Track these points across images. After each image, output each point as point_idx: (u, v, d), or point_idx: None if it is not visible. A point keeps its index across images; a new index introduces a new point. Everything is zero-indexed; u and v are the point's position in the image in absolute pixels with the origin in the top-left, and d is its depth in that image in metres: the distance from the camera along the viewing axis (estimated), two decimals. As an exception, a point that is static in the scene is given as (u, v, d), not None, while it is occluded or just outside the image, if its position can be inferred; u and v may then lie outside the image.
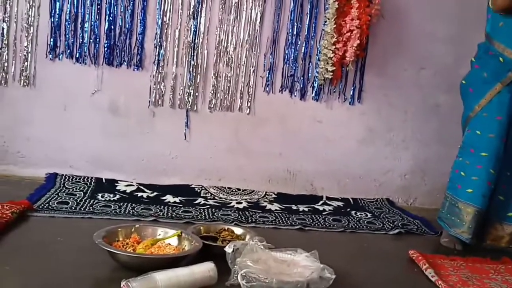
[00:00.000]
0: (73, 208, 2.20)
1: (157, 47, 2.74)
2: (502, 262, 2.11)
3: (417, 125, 3.07)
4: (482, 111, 2.19)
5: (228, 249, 1.62)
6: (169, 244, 1.70)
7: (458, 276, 1.91)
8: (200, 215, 2.31)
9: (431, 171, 3.11)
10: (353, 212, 2.69)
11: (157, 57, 2.75)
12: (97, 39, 2.67)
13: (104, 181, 2.68)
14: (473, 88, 2.24)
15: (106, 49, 2.69)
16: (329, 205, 2.80)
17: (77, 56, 2.68)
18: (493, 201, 2.20)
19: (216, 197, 2.68)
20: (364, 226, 2.44)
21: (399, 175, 3.10)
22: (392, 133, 3.06)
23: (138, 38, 2.71)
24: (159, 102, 2.79)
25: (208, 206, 2.48)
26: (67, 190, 2.47)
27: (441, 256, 2.10)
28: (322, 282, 1.57)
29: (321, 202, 2.83)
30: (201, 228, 1.92)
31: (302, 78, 2.91)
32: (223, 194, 2.75)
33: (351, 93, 2.98)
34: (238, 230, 1.94)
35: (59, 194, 2.39)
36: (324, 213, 2.63)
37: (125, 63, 2.73)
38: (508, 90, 2.13)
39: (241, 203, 2.62)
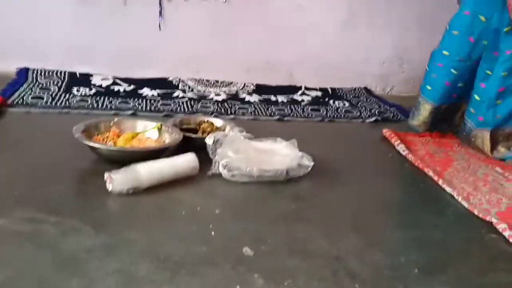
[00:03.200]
0: (48, 103, 2.15)
1: None
2: None
3: (401, 8, 2.98)
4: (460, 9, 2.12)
5: (209, 140, 1.63)
6: (149, 137, 1.70)
7: (426, 150, 2.03)
8: (178, 108, 2.30)
9: (409, 59, 3.10)
10: (331, 102, 2.71)
11: None
12: None
13: (78, 75, 2.60)
14: None
15: None
16: (308, 95, 2.81)
17: None
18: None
19: (194, 90, 2.65)
20: (342, 115, 2.48)
21: (377, 63, 3.08)
22: (374, 17, 2.98)
23: None
24: (130, -11, 2.63)
25: (187, 99, 2.46)
26: (40, 85, 2.40)
27: (413, 134, 2.22)
28: (301, 169, 1.62)
29: (300, 92, 2.83)
30: (181, 120, 1.92)
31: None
32: (201, 86, 2.72)
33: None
34: (218, 122, 1.95)
35: (33, 89, 2.32)
36: (302, 103, 2.64)
37: None
38: None
39: (219, 95, 2.60)
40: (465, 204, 1.52)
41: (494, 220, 1.38)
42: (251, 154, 1.65)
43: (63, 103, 2.18)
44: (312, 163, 1.64)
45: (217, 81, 2.81)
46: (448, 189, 1.62)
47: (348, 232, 1.30)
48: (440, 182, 1.67)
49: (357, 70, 3.06)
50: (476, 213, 1.46)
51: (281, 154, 1.69)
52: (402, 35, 3.04)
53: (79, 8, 2.60)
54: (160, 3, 2.67)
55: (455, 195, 1.58)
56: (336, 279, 1.08)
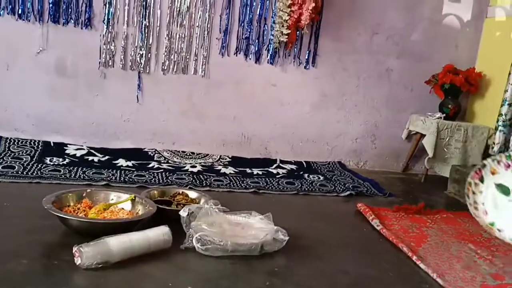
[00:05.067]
0: (19, 172, 2.12)
1: (107, 4, 2.62)
2: (437, 212, 2.28)
3: (369, 90, 3.13)
4: None
5: (183, 212, 1.61)
6: (123, 208, 1.67)
7: (400, 225, 2.05)
8: (153, 179, 2.28)
9: (381, 135, 3.20)
10: (306, 175, 2.74)
11: (106, 16, 2.63)
12: (41, -6, 2.52)
13: (52, 144, 2.58)
14: None
15: (51, 5, 2.54)
16: (283, 168, 2.84)
17: (20, 12, 2.52)
18: None
19: (170, 161, 2.65)
20: (317, 189, 2.50)
21: (350, 138, 3.16)
22: (345, 97, 3.10)
23: (85, -5, 2.58)
24: (110, 63, 2.69)
25: (162, 170, 2.45)
26: (12, 154, 2.37)
27: (386, 208, 2.24)
28: (275, 244, 1.61)
29: (275, 166, 2.86)
30: (155, 192, 1.90)
31: (257, 41, 2.87)
32: (177, 158, 2.72)
33: (306, 57, 2.98)
34: (192, 194, 1.94)
35: (4, 158, 2.29)
36: (278, 176, 2.66)
37: (72, 21, 2.60)
38: None
39: (195, 166, 2.61)
40: (440, 282, 1.51)
41: (469, 299, 1.38)
42: (225, 228, 1.64)
43: (35, 172, 2.14)
44: (287, 238, 1.63)
45: (193, 153, 2.82)
46: (422, 266, 1.62)
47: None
48: (414, 259, 1.67)
49: (331, 145, 3.13)
50: (452, 290, 1.45)
51: (256, 228, 1.67)
52: (372, 113, 3.16)
53: (57, 79, 2.63)
54: (139, 76, 2.74)
55: (429, 273, 1.57)
56: None
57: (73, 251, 1.33)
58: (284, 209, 2.12)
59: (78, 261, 1.31)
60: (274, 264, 1.52)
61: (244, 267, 1.46)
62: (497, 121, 2.66)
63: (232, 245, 1.51)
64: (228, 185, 2.36)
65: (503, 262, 1.73)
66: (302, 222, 1.99)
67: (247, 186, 2.37)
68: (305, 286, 1.41)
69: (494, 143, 2.66)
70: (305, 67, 2.99)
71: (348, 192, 2.47)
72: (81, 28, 2.62)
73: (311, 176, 2.74)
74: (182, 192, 1.94)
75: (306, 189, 2.47)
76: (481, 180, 0.94)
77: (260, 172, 2.68)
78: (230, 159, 2.83)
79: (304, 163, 2.99)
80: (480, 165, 0.96)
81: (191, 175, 2.43)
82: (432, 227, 2.09)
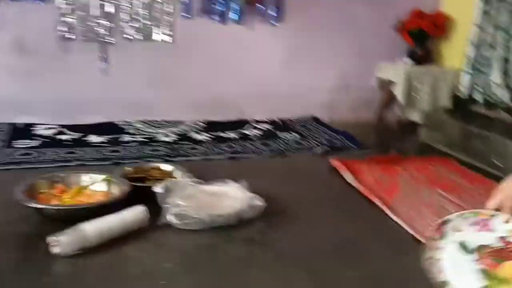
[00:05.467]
0: (-11, 160, 2.09)
1: (59, -25, 2.51)
2: (409, 159, 2.30)
3: (337, 41, 3.10)
4: None
5: (158, 189, 1.62)
6: (97, 190, 1.67)
7: (373, 177, 2.08)
8: (128, 153, 2.27)
9: (353, 86, 3.21)
10: (281, 134, 2.75)
11: (60, -13, 2.52)
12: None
13: (19, 126, 2.53)
14: None
15: (-1, -19, 2.42)
16: (258, 129, 2.85)
17: (-33, -9, 2.40)
18: None
19: (143, 132, 2.63)
20: (292, 148, 2.52)
21: (322, 91, 3.17)
22: (314, 50, 3.08)
23: (35, -34, 2.46)
24: (70, 36, 2.60)
25: (136, 143, 2.44)
26: (-21, 141, 2.33)
27: (360, 161, 2.25)
28: (252, 211, 1.63)
29: (249, 127, 2.86)
30: (130, 169, 1.89)
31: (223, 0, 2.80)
32: (150, 128, 2.70)
33: (272, 13, 2.92)
34: (167, 167, 1.93)
35: (-28, 145, 2.25)
36: (253, 138, 2.67)
37: (25, -4, 2.49)
38: None
39: (169, 136, 2.59)
40: (410, 231, 1.56)
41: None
42: (201, 200, 1.65)
43: (5, 158, 2.11)
44: (263, 204, 1.65)
45: (166, 121, 2.80)
46: (395, 218, 1.67)
47: (302, 276, 1.30)
48: (385, 210, 1.72)
49: (303, 99, 3.13)
50: (419, 238, 1.50)
51: (232, 197, 1.69)
52: (343, 65, 3.15)
53: (16, 57, 2.55)
54: (102, 47, 2.66)
55: (401, 223, 1.62)
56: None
57: (49, 241, 1.33)
58: (260, 173, 2.14)
59: (55, 250, 1.32)
60: (252, 232, 1.54)
61: (222, 238, 1.49)
62: (464, 64, 2.69)
63: (209, 217, 1.53)
64: (204, 152, 2.36)
65: (471, 203, 1.80)
66: (279, 185, 2.01)
67: (223, 152, 2.38)
68: (284, 253, 1.44)
69: (462, 87, 2.70)
70: (272, 24, 2.94)
71: (323, 149, 2.50)
72: (35, 1, 2.50)
73: (286, 134, 2.75)
74: (157, 166, 1.93)
75: (282, 149, 2.49)
76: (442, 236, 0.91)
77: (236, 136, 2.68)
78: (205, 124, 2.83)
79: (279, 121, 3.00)
80: (442, 220, 0.93)
81: (165, 146, 2.42)
82: (404, 175, 2.13)
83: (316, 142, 2.59)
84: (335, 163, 2.22)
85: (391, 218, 1.68)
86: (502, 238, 0.95)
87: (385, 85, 3.16)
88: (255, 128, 2.85)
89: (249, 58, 2.95)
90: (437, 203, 1.83)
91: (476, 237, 0.93)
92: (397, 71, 2.93)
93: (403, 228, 1.61)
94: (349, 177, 2.05)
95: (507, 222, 0.90)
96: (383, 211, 1.74)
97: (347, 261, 1.40)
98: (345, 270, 1.36)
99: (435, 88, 2.93)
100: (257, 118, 3.00)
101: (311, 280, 1.29)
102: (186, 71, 2.84)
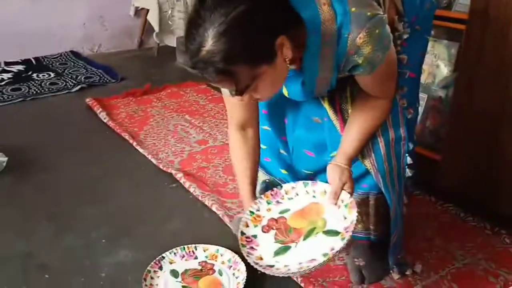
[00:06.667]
0: None
1: None
2: (163, 88, 2.46)
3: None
4: None
5: None
6: None
7: (127, 112, 2.20)
8: None
9: (110, 15, 3.16)
10: (35, 75, 2.63)
11: None
12: None
13: None
14: None
15: None
16: (9, 71, 2.66)
17: None
18: None
19: None
20: (47, 89, 2.45)
21: (78, 24, 3.06)
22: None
23: None
24: None
25: None
26: None
27: (116, 96, 2.35)
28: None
29: (-1, 70, 2.65)
30: None
31: None
32: None
33: None
34: None
35: None
36: (2, 83, 2.50)
37: None
38: None
39: None
40: (154, 161, 1.76)
41: (173, 171, 1.66)
42: None
43: None
44: (5, 159, 1.64)
45: None
46: (141, 150, 1.84)
47: (42, 223, 1.39)
48: (134, 145, 1.87)
49: (59, 35, 2.99)
50: (161, 167, 1.71)
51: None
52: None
53: None
54: None
55: (146, 155, 1.80)
56: (25, 276, 1.18)
57: None
58: (8, 123, 2.07)
59: None
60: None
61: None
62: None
63: None
64: None
65: (210, 127, 2.08)
66: (30, 134, 1.98)
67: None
68: (28, 204, 1.49)
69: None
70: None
71: (79, 86, 2.49)
72: None
73: (41, 75, 2.64)
74: None
75: (35, 92, 2.40)
76: (160, 268, 1.15)
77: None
78: None
79: (33, 60, 2.84)
80: (159, 257, 1.15)
81: None
82: (157, 105, 2.30)
83: (73, 80, 2.56)
84: (90, 102, 2.26)
85: (138, 151, 1.84)
86: (201, 262, 1.24)
87: (143, 13, 3.19)
88: (5, 71, 2.66)
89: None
90: (182, 130, 2.05)
91: (184, 264, 1.23)
92: (150, -2, 2.97)
93: (149, 159, 1.79)
94: (103, 116, 2.12)
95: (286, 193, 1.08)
96: (131, 145, 1.88)
97: (90, 200, 1.53)
98: (87, 209, 1.48)
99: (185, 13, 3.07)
100: (8, 60, 2.78)
101: (52, 226, 1.39)
102: None
